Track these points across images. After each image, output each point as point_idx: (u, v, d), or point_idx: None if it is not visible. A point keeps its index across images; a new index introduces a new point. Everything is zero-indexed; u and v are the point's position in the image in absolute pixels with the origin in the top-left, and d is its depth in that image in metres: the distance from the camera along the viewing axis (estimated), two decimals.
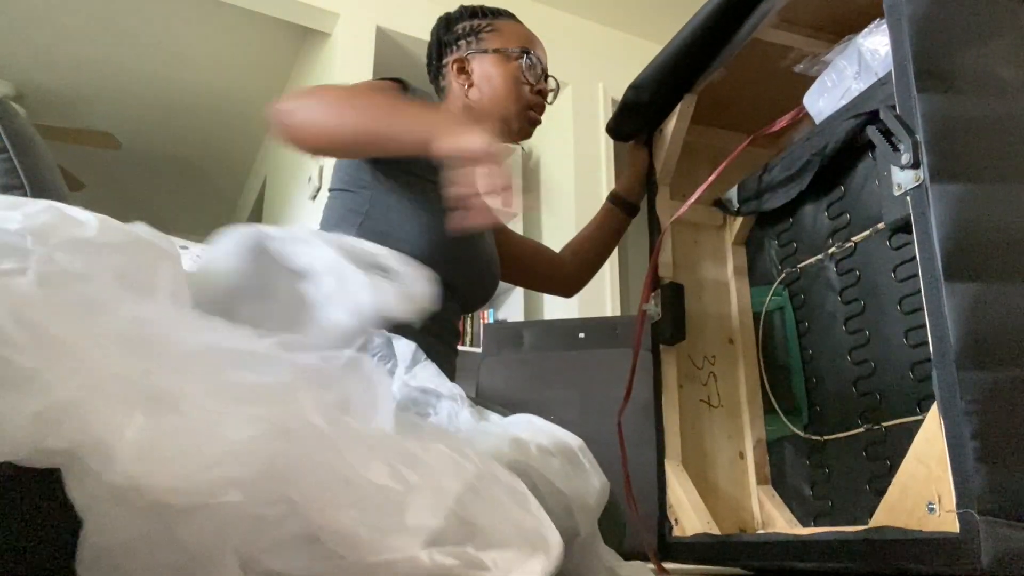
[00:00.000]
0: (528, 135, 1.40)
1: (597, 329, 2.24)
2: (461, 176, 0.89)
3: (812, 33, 1.33)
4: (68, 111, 4.57)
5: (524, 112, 1.35)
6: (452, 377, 1.22)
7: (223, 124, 4.85)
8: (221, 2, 3.30)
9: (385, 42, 3.51)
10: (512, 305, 3.71)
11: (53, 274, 0.45)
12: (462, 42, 1.37)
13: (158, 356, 0.42)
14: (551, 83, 1.42)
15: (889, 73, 0.94)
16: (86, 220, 0.57)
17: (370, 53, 3.45)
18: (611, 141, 3.03)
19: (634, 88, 1.40)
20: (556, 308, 3.63)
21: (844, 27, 1.33)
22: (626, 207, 1.56)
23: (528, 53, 1.36)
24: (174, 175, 5.51)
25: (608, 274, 3.52)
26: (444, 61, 1.39)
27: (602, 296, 3.50)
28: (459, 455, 0.52)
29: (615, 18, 4.02)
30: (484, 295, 1.33)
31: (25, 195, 1.12)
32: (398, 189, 1.19)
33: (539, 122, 1.39)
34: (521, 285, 1.58)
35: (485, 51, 1.35)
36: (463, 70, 1.36)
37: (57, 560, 0.40)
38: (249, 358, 0.46)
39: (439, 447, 0.51)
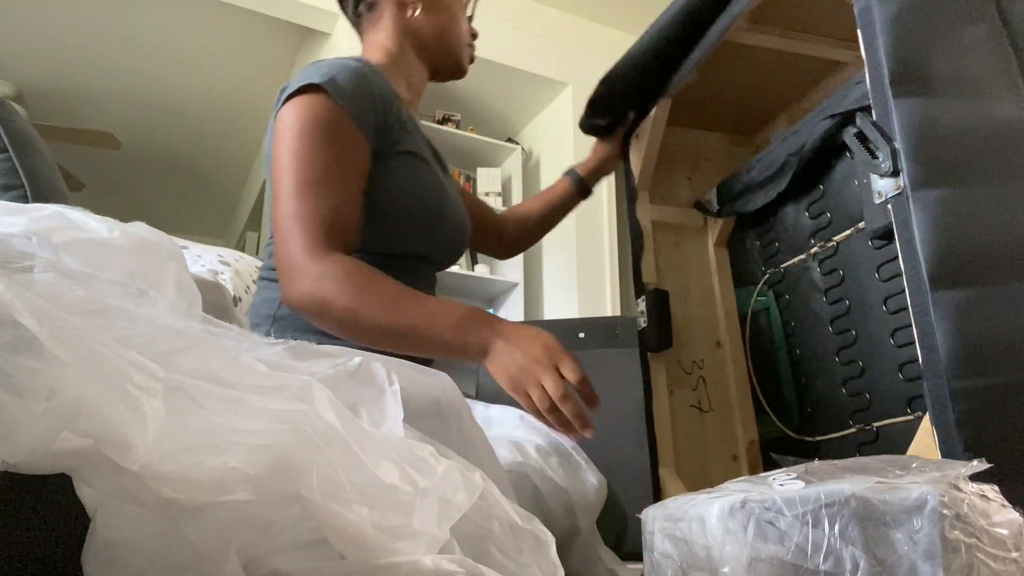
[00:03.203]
0: (465, 73, 1.32)
1: (597, 329, 2.24)
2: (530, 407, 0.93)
3: (783, 33, 1.34)
4: (68, 111, 4.57)
5: (469, 48, 1.30)
6: (426, 360, 1.21)
7: (223, 124, 4.85)
8: (221, 2, 3.30)
9: None
10: (512, 305, 3.71)
11: (59, 273, 0.45)
12: None
13: (175, 350, 0.43)
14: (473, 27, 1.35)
15: (863, 72, 0.92)
16: (89, 222, 0.58)
17: None
18: None
19: (604, 83, 1.40)
20: (556, 308, 3.63)
21: (816, 27, 1.33)
22: (582, 188, 1.54)
23: None
24: (174, 175, 5.51)
25: (608, 274, 3.52)
26: None
27: (602, 296, 3.50)
28: (468, 471, 0.52)
29: (615, 18, 4.02)
30: (455, 255, 1.27)
31: (25, 195, 1.12)
32: (387, 167, 1.16)
33: (473, 60, 1.33)
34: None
35: None
36: None
37: (64, 557, 0.40)
38: (263, 358, 0.46)
39: (449, 461, 0.51)
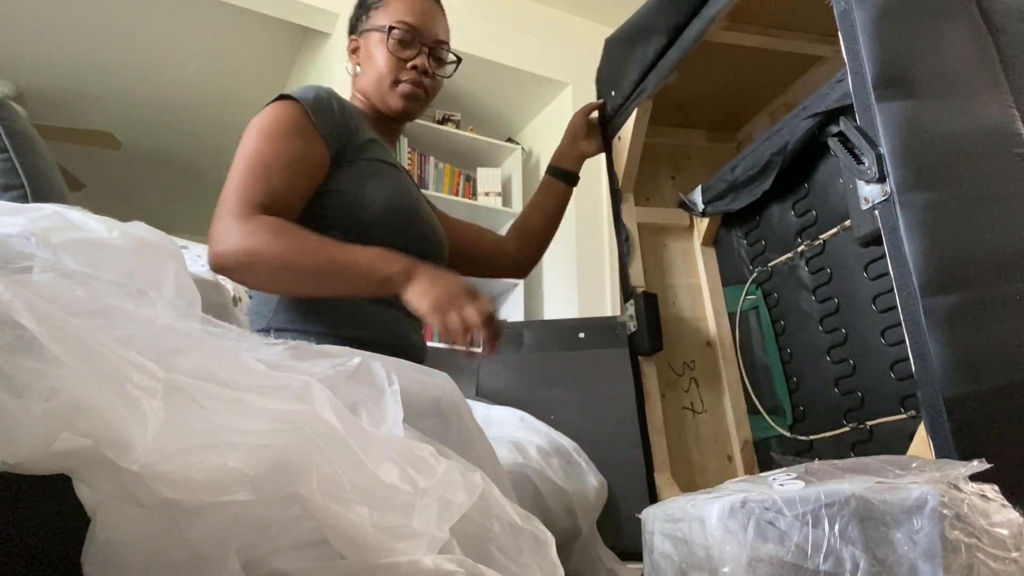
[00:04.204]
0: (407, 114, 1.30)
1: (597, 329, 2.24)
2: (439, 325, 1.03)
3: (761, 31, 1.33)
4: (68, 111, 4.56)
5: (393, 89, 1.27)
6: (421, 351, 1.22)
7: (223, 124, 4.85)
8: (221, 2, 3.30)
9: None
10: (512, 305, 3.71)
11: (58, 273, 0.45)
12: (358, 22, 1.34)
13: (174, 350, 0.43)
14: (449, 56, 1.34)
15: (844, 69, 0.91)
16: (88, 222, 0.58)
17: None
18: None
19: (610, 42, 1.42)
20: (556, 308, 3.63)
21: (794, 23, 1.33)
22: (561, 175, 1.55)
23: (394, 28, 1.26)
24: (174, 175, 5.51)
25: (608, 274, 3.52)
26: (347, 43, 1.36)
27: (602, 296, 3.50)
28: (468, 471, 0.52)
29: (615, 18, 4.02)
30: (432, 258, 1.26)
31: (25, 195, 1.12)
32: (358, 170, 1.18)
33: (417, 97, 1.29)
34: (469, 274, 1.46)
35: (368, 30, 1.31)
36: (355, 51, 1.33)
37: (64, 557, 0.40)
38: (263, 358, 0.46)
39: (449, 461, 0.51)
